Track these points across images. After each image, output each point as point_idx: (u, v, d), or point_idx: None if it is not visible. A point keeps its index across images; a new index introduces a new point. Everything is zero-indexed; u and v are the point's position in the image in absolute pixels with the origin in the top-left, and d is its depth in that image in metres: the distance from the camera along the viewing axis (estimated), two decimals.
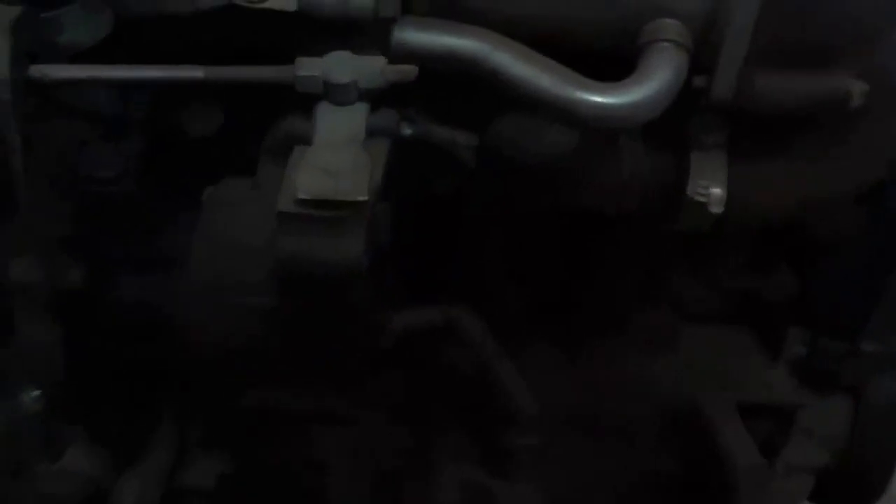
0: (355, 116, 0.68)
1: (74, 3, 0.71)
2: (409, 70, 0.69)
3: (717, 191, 0.82)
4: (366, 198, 0.65)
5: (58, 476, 0.95)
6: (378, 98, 0.71)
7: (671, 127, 0.81)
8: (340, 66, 0.68)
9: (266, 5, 0.68)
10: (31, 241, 0.68)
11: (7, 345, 0.81)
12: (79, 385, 0.78)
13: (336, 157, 0.66)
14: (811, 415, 1.05)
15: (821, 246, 1.01)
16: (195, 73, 0.67)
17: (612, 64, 0.75)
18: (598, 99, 0.72)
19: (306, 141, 0.69)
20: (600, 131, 0.81)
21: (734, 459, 1.00)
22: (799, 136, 0.84)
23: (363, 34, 0.71)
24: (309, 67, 0.67)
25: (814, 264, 1.07)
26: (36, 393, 0.89)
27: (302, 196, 0.65)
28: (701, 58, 0.76)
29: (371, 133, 0.69)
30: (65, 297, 0.71)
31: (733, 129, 0.82)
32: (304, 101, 0.70)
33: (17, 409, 0.89)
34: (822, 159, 0.85)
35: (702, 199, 0.82)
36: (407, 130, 0.79)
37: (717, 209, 0.82)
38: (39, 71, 0.65)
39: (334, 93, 0.68)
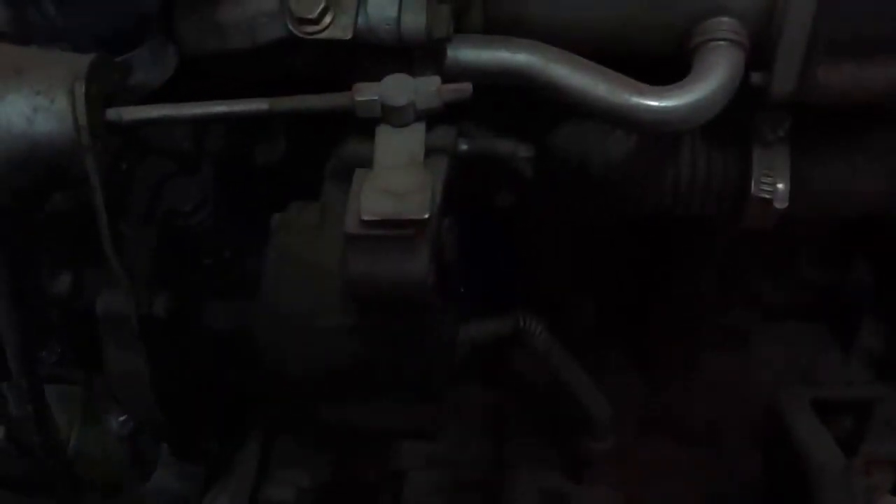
0: (414, 136, 0.69)
1: (143, 46, 0.75)
2: (465, 88, 0.69)
3: (781, 186, 0.81)
4: (428, 215, 0.66)
5: (148, 495, 1.00)
6: (435, 116, 0.72)
7: (732, 124, 0.80)
8: (397, 88, 0.69)
9: (322, 35, 0.70)
10: (117, 273, 0.72)
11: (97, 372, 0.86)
12: (166, 407, 0.81)
13: (397, 178, 0.67)
14: (890, 407, 1.03)
15: None
16: (260, 105, 0.69)
17: (664, 65, 0.75)
18: (655, 103, 0.71)
19: (367, 163, 0.70)
20: (659, 134, 0.81)
21: (812, 456, 0.99)
22: (872, 127, 0.82)
23: (418, 56, 0.73)
24: (367, 92, 0.69)
25: (892, 256, 1.04)
26: (124, 417, 0.93)
27: (366, 218, 0.66)
28: (760, 54, 0.75)
29: (429, 151, 0.70)
30: (150, 324, 0.75)
31: (802, 123, 0.80)
32: (363, 123, 0.71)
33: (107, 432, 0.94)
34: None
35: (766, 195, 0.81)
36: (463, 146, 0.80)
37: (781, 205, 0.81)
38: (115, 114, 0.68)
39: (392, 115, 0.69)
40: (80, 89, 0.65)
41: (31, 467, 0.87)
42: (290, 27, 0.71)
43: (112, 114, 0.68)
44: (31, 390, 0.81)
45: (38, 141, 0.67)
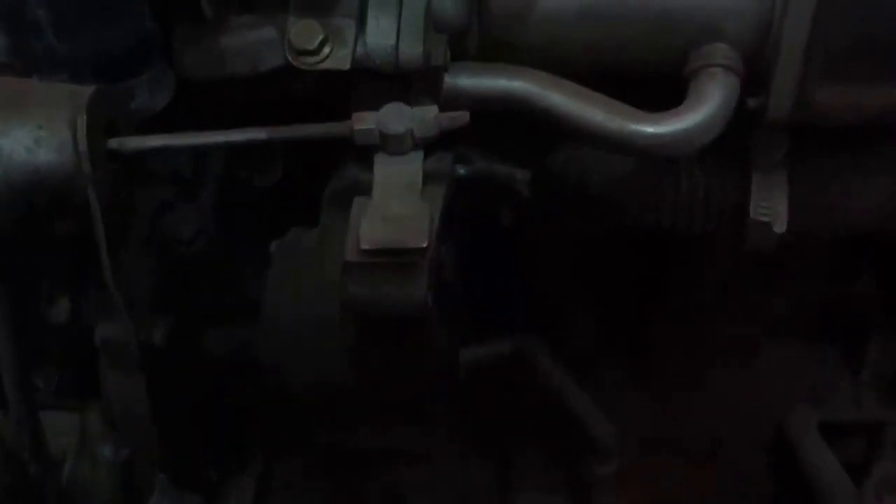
0: (412, 164, 0.70)
1: (143, 74, 0.77)
2: (462, 116, 0.70)
3: (779, 209, 0.82)
4: (426, 244, 0.67)
5: None
6: (433, 142, 0.73)
7: (731, 147, 0.81)
8: (395, 117, 0.70)
9: (321, 66, 0.72)
10: (117, 301, 0.73)
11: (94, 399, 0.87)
12: (164, 434, 0.82)
13: (396, 206, 0.68)
14: None
15: None
16: (259, 134, 0.70)
17: (661, 88, 0.76)
18: (651, 129, 0.73)
19: (366, 190, 0.71)
20: (656, 159, 0.82)
21: (821, 481, 0.99)
22: (871, 146, 0.83)
23: (416, 84, 0.74)
24: (365, 121, 0.70)
25: None
26: (121, 444, 0.94)
27: (366, 246, 0.67)
28: (756, 78, 0.76)
29: (428, 178, 0.72)
30: (150, 352, 0.76)
31: (799, 144, 0.81)
32: (362, 151, 0.72)
33: (101, 459, 0.95)
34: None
35: (765, 218, 0.82)
36: (461, 171, 0.81)
37: (780, 228, 0.82)
38: (117, 143, 0.70)
39: (390, 143, 0.70)
40: (82, 121, 0.67)
41: (25, 494, 0.87)
42: (290, 58, 0.72)
43: (113, 143, 0.70)
44: (28, 418, 0.82)
45: (40, 170, 0.68)
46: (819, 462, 1.01)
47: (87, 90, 0.69)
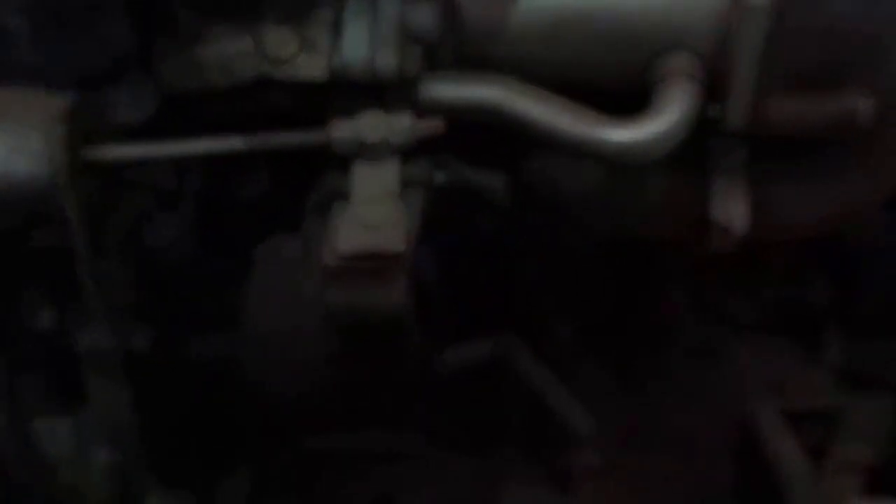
0: (389, 171, 0.68)
1: (122, 85, 0.71)
2: (437, 125, 0.68)
3: (739, 210, 0.79)
4: (402, 248, 0.64)
5: None
6: (410, 150, 0.70)
7: (695, 153, 0.78)
8: (371, 125, 0.67)
9: (296, 74, 0.68)
10: (99, 310, 0.67)
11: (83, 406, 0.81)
12: (152, 438, 0.77)
13: (373, 212, 0.65)
14: (855, 415, 1.02)
15: (859, 252, 0.99)
16: (237, 143, 0.67)
17: (625, 97, 0.73)
18: (617, 135, 0.70)
19: (347, 197, 0.68)
20: (622, 164, 0.78)
21: (781, 463, 0.97)
22: (820, 153, 0.80)
23: (391, 93, 0.70)
24: (342, 129, 0.67)
25: (853, 270, 1.04)
26: (110, 449, 0.88)
27: (343, 251, 0.64)
28: (715, 88, 0.73)
29: (406, 184, 0.69)
30: (133, 359, 0.70)
31: (757, 151, 0.78)
32: (341, 158, 0.69)
33: (96, 463, 0.89)
34: (844, 174, 0.81)
35: (725, 220, 0.78)
36: (440, 178, 0.78)
37: (740, 229, 0.79)
38: (93, 153, 0.64)
39: (367, 151, 0.67)
40: (57, 130, 0.61)
41: (13, 500, 0.81)
42: (266, 67, 0.68)
43: (90, 153, 0.64)
44: (14, 425, 0.76)
45: (15, 180, 0.63)
46: (780, 446, 1.00)
47: (64, 99, 0.62)
